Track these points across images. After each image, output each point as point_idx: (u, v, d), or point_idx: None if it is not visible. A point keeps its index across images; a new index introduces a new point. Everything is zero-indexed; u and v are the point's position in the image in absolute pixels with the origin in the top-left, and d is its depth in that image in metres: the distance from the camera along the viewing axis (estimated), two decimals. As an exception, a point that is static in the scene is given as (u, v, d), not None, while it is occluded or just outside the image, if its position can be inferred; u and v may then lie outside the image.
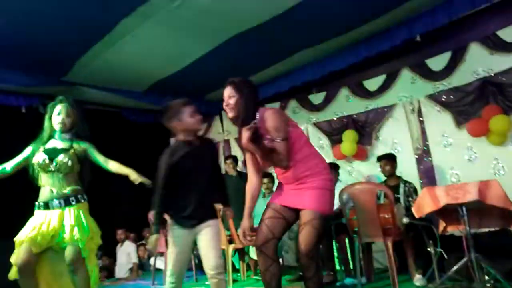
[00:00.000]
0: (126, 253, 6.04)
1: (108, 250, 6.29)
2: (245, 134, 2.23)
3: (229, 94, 2.43)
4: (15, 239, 2.63)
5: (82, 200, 2.76)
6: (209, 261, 2.44)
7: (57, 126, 2.75)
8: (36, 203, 2.70)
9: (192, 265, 5.14)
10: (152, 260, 5.43)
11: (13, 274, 2.62)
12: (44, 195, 2.70)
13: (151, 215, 4.99)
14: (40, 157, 2.68)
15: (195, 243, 2.55)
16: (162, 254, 5.12)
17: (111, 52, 4.38)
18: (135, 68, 4.93)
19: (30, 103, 5.09)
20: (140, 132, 6.47)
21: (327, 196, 2.20)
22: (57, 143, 2.75)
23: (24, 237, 2.58)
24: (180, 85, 5.47)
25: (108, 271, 6.05)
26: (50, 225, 2.60)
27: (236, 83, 2.41)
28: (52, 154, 2.69)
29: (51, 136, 2.78)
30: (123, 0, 3.51)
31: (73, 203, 2.68)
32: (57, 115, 2.76)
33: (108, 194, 6.26)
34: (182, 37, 4.29)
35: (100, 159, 2.83)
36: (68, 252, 2.60)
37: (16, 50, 4.15)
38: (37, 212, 2.68)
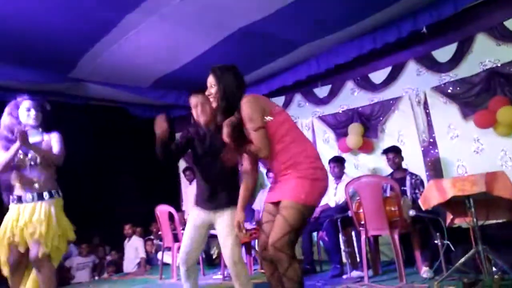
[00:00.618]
0: (134, 248, 6.10)
1: (116, 245, 6.35)
2: (224, 130, 2.07)
3: (210, 83, 2.25)
4: None
5: (56, 196, 2.79)
6: (224, 249, 2.52)
7: (31, 121, 2.83)
8: (11, 196, 2.75)
9: (200, 259, 5.17)
10: (159, 255, 5.47)
11: (4, 272, 2.70)
12: (18, 189, 2.74)
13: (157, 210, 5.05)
14: (17, 157, 2.72)
15: (212, 228, 2.67)
16: (169, 248, 5.15)
17: (115, 48, 4.38)
18: (139, 64, 4.93)
19: (35, 100, 5.11)
20: (144, 127, 6.48)
21: (306, 185, 2.01)
22: (30, 139, 2.75)
23: (2, 237, 2.65)
24: (184, 80, 5.47)
25: (116, 265, 6.11)
26: (21, 220, 2.65)
27: (216, 70, 2.24)
28: (25, 149, 2.72)
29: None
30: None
31: (46, 198, 2.72)
32: (27, 111, 2.84)
33: (115, 190, 6.32)
34: (186, 32, 4.28)
35: (54, 146, 2.84)
36: (31, 249, 2.62)
37: (22, 47, 4.16)
38: (11, 206, 2.74)
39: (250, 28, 4.21)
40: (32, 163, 2.74)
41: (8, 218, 2.71)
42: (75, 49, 4.42)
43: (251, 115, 2.05)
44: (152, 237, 6.48)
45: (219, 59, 4.79)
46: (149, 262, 6.14)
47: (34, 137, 2.81)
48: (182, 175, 6.92)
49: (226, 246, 2.51)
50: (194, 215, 2.67)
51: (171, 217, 5.02)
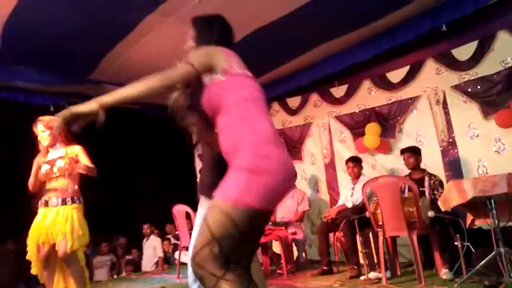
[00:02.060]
0: (152, 247, 6.18)
1: (134, 244, 6.46)
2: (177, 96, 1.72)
3: (188, 36, 1.95)
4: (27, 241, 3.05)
5: (77, 202, 3.11)
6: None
7: (45, 142, 3.16)
8: (39, 201, 3.12)
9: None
10: (177, 254, 5.53)
11: (34, 270, 3.03)
12: (46, 194, 3.10)
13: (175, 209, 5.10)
14: (43, 168, 3.11)
15: None
16: (187, 248, 5.20)
17: (134, 50, 4.45)
18: (158, 65, 4.94)
19: (57, 101, 5.24)
20: (163, 128, 6.56)
21: (243, 179, 1.41)
22: (53, 154, 3.18)
23: (30, 237, 3.01)
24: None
25: (134, 264, 6.21)
26: (46, 221, 2.98)
27: (193, 19, 1.90)
28: (51, 163, 3.11)
29: (47, 151, 3.20)
30: (145, -2, 3.56)
31: (69, 203, 3.05)
32: (42, 133, 3.17)
33: (134, 190, 6.42)
34: (203, 33, 4.32)
35: (83, 161, 3.16)
36: (59, 246, 2.93)
37: (42, 49, 4.26)
38: (39, 210, 3.09)
39: (267, 28, 4.22)
40: (58, 174, 3.08)
41: (35, 220, 3.05)
42: (95, 51, 4.51)
43: (194, 54, 1.63)
44: (169, 236, 6.55)
45: (236, 60, 4.89)
46: (167, 262, 6.21)
47: (56, 151, 3.19)
48: (198, 174, 6.98)
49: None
50: (203, 207, 2.45)
51: (188, 216, 5.07)
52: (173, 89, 1.66)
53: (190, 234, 4.97)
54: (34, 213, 3.13)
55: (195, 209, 5.89)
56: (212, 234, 1.40)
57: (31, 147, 3.67)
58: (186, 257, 5.36)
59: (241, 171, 1.44)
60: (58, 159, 3.10)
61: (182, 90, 1.71)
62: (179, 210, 5.05)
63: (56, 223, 2.95)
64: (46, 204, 3.06)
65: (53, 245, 2.95)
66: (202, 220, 1.46)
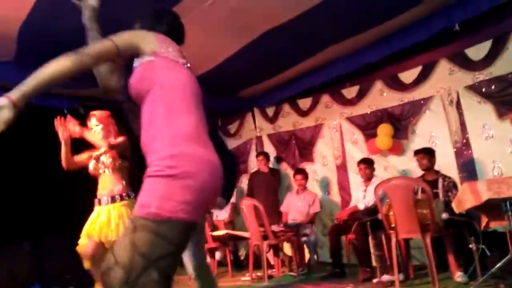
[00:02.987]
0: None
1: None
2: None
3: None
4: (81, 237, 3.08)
5: (127, 198, 3.08)
6: None
7: (98, 137, 3.13)
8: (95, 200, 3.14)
9: (228, 261, 5.22)
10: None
11: (86, 265, 3.04)
12: (99, 193, 3.12)
13: None
14: (91, 165, 3.15)
15: None
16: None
17: (146, 53, 4.50)
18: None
19: (71, 104, 5.31)
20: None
21: (159, 187, 1.23)
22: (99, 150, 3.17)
23: (83, 232, 3.03)
24: (213, 83, 5.52)
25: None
26: (99, 220, 2.99)
27: (141, 14, 1.75)
28: (97, 158, 3.14)
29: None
30: (156, 2, 3.58)
31: (118, 200, 3.04)
32: (95, 127, 3.17)
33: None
34: (214, 36, 4.34)
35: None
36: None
37: (57, 53, 4.32)
38: (95, 208, 3.11)
39: (278, 30, 4.21)
40: (104, 170, 3.11)
41: (91, 218, 3.08)
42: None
43: (119, 33, 1.43)
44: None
45: (247, 62, 4.91)
46: (180, 263, 6.23)
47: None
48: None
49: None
50: None
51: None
52: (96, 66, 1.50)
53: (211, 236, 5.02)
54: (51, 214, 3.14)
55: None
56: (146, 259, 1.17)
57: (45, 149, 3.73)
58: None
59: (157, 177, 1.25)
60: (102, 155, 3.12)
61: (113, 70, 1.57)
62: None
63: (110, 222, 2.96)
64: (99, 202, 3.08)
65: (103, 243, 2.97)
66: (126, 243, 1.21)
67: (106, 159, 3.10)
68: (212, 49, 4.65)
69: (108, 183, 3.08)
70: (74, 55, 1.34)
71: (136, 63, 1.45)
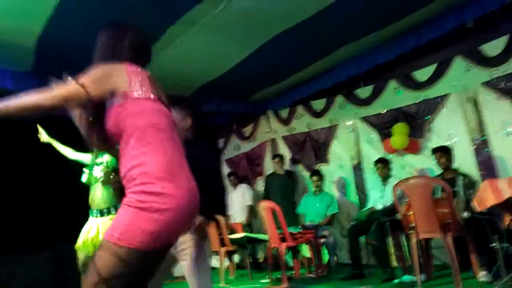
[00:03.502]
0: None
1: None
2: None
3: (185, 116, 2.40)
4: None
5: (113, 212, 3.16)
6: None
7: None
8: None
9: (247, 263, 5.23)
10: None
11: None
12: (90, 203, 3.19)
13: None
14: (84, 174, 3.21)
15: None
16: (216, 253, 5.24)
17: (160, 58, 4.54)
18: (182, 73, 5.08)
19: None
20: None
21: (128, 216, 1.32)
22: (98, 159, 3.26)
23: (77, 245, 3.09)
24: (225, 87, 5.57)
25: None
26: (90, 232, 3.08)
27: (104, 27, 1.71)
28: (90, 169, 3.22)
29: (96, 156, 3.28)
30: (170, 8, 3.64)
31: (106, 215, 3.13)
32: None
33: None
34: (226, 40, 4.37)
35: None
36: None
37: (74, 63, 4.40)
38: (89, 220, 3.19)
39: (289, 32, 4.22)
40: (97, 182, 3.18)
41: (83, 230, 3.15)
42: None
43: (90, 74, 1.44)
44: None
45: (259, 65, 4.93)
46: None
47: (103, 157, 3.30)
48: (226, 179, 7.04)
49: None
50: None
51: (216, 221, 5.12)
52: (61, 107, 1.43)
53: (220, 239, 5.05)
54: (71, 221, 3.23)
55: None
56: (99, 274, 1.29)
57: (63, 158, 3.80)
58: (216, 261, 5.42)
59: (129, 207, 1.33)
60: (99, 166, 3.20)
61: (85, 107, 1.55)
62: (208, 215, 5.09)
63: (98, 236, 3.04)
64: (91, 214, 3.16)
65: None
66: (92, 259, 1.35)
67: (99, 172, 3.16)
68: (224, 53, 4.69)
69: (98, 195, 3.15)
70: (47, 94, 1.38)
71: (109, 102, 1.47)
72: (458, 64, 4.57)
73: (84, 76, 1.42)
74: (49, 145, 3.44)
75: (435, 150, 4.13)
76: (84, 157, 3.33)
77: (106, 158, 3.26)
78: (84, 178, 3.21)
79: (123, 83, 1.44)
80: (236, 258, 5.84)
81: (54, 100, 1.38)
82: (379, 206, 4.47)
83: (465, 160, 4.36)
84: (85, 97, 1.40)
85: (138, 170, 1.37)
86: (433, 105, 4.79)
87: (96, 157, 3.28)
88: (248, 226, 6.27)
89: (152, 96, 1.48)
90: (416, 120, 4.92)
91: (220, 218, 5.01)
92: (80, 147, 3.34)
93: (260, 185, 6.62)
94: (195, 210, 1.41)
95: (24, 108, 1.36)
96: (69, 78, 1.42)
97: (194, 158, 2.40)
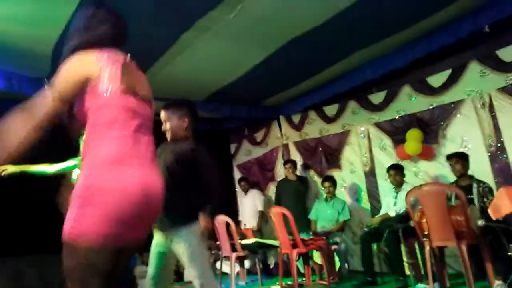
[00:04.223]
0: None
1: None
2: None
3: (163, 119, 2.63)
4: None
5: None
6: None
7: None
8: None
9: (257, 269, 5.22)
10: (218, 264, 5.58)
11: None
12: None
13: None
14: (75, 173, 3.13)
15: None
16: (227, 258, 5.24)
17: (173, 65, 4.59)
18: (195, 79, 5.12)
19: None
20: (200, 140, 6.70)
21: (75, 208, 1.29)
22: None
23: None
24: (238, 92, 5.60)
25: (177, 274, 6.31)
26: None
27: (77, 12, 1.70)
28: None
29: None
30: (184, 15, 3.68)
31: None
32: None
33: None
34: (239, 46, 4.40)
35: None
36: None
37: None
38: None
39: (302, 38, 4.23)
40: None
41: None
42: (138, 67, 4.69)
43: (60, 79, 1.42)
44: (209, 248, 6.62)
45: (272, 70, 4.94)
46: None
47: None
48: (237, 185, 7.05)
49: (191, 277, 2.31)
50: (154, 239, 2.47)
51: (228, 226, 5.12)
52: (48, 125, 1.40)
53: (231, 244, 5.05)
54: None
55: (235, 219, 5.96)
56: (63, 267, 1.27)
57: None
58: (227, 267, 5.41)
59: (77, 198, 1.30)
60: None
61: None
62: (220, 220, 5.11)
63: None
64: None
65: None
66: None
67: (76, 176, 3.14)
68: (237, 59, 4.72)
69: None
70: (29, 120, 1.36)
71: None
72: (473, 69, 4.51)
73: (56, 85, 1.40)
74: (21, 174, 3.22)
75: (450, 157, 4.07)
76: (67, 164, 3.26)
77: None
78: (74, 176, 3.15)
79: (93, 74, 1.41)
80: (247, 263, 5.83)
81: (40, 127, 1.35)
82: (392, 213, 4.42)
83: (480, 167, 4.28)
84: (63, 107, 1.41)
85: (90, 159, 1.36)
86: (447, 111, 4.73)
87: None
88: (259, 231, 6.26)
89: (119, 90, 1.43)
90: (430, 126, 4.87)
91: (231, 222, 5.02)
92: (63, 155, 3.31)
93: (272, 190, 6.61)
94: (150, 201, 1.37)
95: (22, 148, 1.34)
96: (46, 87, 1.42)
97: (191, 154, 2.45)
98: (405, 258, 4.07)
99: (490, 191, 3.79)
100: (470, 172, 4.04)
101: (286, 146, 6.58)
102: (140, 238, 1.40)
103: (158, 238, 2.45)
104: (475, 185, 3.83)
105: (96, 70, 1.42)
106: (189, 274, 2.36)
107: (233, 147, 7.54)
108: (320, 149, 6.09)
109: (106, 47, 1.50)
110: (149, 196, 1.36)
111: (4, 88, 4.35)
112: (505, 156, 4.26)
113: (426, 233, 3.53)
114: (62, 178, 3.27)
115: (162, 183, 1.44)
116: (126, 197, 1.29)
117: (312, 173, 6.23)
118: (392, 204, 4.51)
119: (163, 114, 2.59)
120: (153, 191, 1.38)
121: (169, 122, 2.58)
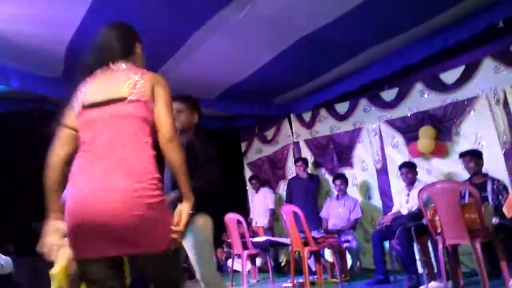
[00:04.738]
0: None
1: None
2: None
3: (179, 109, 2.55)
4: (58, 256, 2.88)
5: None
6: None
7: None
8: None
9: (269, 267, 5.23)
10: (229, 262, 5.61)
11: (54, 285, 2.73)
12: None
13: None
14: None
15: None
16: (239, 256, 5.26)
17: (185, 64, 4.62)
18: (206, 78, 5.14)
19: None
20: (212, 138, 6.72)
21: None
22: None
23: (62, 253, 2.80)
24: (249, 90, 5.60)
25: (189, 272, 6.35)
26: None
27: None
28: None
29: None
30: (194, 15, 3.70)
31: None
32: None
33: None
34: (249, 45, 4.40)
35: None
36: None
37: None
38: None
39: (313, 35, 4.21)
40: None
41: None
42: (150, 67, 4.72)
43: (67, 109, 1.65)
44: (224, 246, 6.65)
45: (282, 68, 4.94)
46: (220, 269, 6.31)
47: None
48: (248, 183, 7.06)
49: (195, 268, 2.35)
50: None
51: (239, 224, 5.15)
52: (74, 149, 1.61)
53: (242, 242, 5.07)
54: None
55: (246, 217, 5.98)
56: None
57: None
58: (239, 265, 5.44)
59: None
60: None
61: None
62: (231, 218, 5.13)
63: None
64: None
65: None
66: None
67: None
68: (247, 57, 4.73)
69: None
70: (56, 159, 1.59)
71: None
72: (487, 66, 4.44)
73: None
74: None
75: (463, 154, 4.01)
76: None
77: None
78: None
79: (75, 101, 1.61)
80: (258, 261, 5.84)
81: (64, 153, 1.57)
82: (404, 211, 4.39)
83: (494, 164, 4.23)
84: (73, 129, 1.59)
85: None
86: (461, 108, 4.67)
87: None
88: (270, 229, 6.27)
89: (81, 106, 1.57)
90: (443, 123, 4.81)
91: (242, 220, 5.04)
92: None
93: (282, 188, 6.61)
94: (83, 210, 1.43)
95: (61, 177, 1.56)
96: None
97: (186, 147, 2.44)
98: (417, 256, 4.04)
99: (505, 188, 3.74)
100: (484, 170, 3.99)
101: (296, 144, 6.57)
102: (101, 248, 1.44)
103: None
104: (489, 183, 3.78)
105: (78, 95, 1.65)
106: (195, 270, 2.36)
107: (243, 146, 7.55)
108: (331, 147, 6.07)
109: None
110: (81, 209, 1.43)
111: (18, 88, 4.43)
112: (520, 153, 4.20)
113: (439, 231, 3.50)
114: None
115: (104, 190, 1.43)
116: (66, 214, 1.47)
117: (323, 171, 6.22)
118: (404, 202, 4.48)
119: (178, 105, 2.50)
120: (85, 203, 1.43)
121: (182, 114, 2.57)
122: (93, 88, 1.59)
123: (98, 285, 1.48)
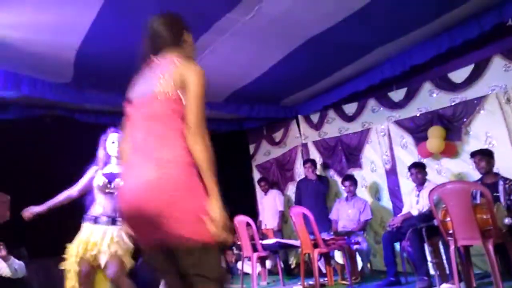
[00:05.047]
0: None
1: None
2: None
3: None
4: (66, 253, 2.89)
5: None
6: None
7: (115, 153, 3.04)
8: (85, 215, 2.97)
9: (279, 269, 5.22)
10: (239, 265, 5.61)
11: (69, 282, 2.85)
12: (95, 210, 2.96)
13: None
14: (100, 180, 2.98)
15: None
16: (249, 258, 5.26)
17: (192, 67, 4.63)
18: (214, 80, 5.09)
19: (114, 121, 5.57)
20: (220, 141, 6.73)
21: None
22: (113, 168, 3.04)
23: (74, 252, 2.84)
24: (256, 93, 5.61)
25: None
26: (92, 238, 2.85)
27: None
28: (110, 177, 2.98)
29: (106, 163, 3.08)
30: (201, 18, 3.71)
31: (119, 224, 2.85)
32: (112, 144, 3.06)
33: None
34: (256, 47, 4.41)
35: None
36: (110, 267, 2.79)
37: (112, 72, 4.56)
38: (85, 225, 2.94)
39: (320, 37, 4.21)
40: (112, 191, 2.95)
41: (81, 236, 2.92)
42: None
43: None
44: (233, 248, 6.65)
45: (290, 70, 4.94)
46: (230, 272, 6.31)
47: (111, 168, 3.07)
48: (257, 185, 7.06)
49: None
50: None
51: (248, 227, 5.14)
52: None
53: (252, 244, 5.07)
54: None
55: (254, 219, 5.98)
56: None
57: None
58: (248, 267, 5.43)
59: None
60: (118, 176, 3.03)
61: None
62: (240, 220, 5.13)
63: (104, 243, 2.83)
64: (95, 221, 2.92)
65: (93, 265, 2.84)
66: None
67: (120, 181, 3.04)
68: (255, 59, 4.73)
69: (111, 204, 2.92)
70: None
71: None
72: (497, 64, 4.39)
73: None
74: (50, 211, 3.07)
75: (474, 154, 3.97)
76: (87, 178, 3.08)
77: (116, 169, 3.05)
78: (100, 183, 2.98)
79: None
80: (268, 263, 5.83)
81: None
82: (415, 212, 4.35)
83: (506, 164, 4.17)
84: None
85: None
86: (470, 107, 4.62)
87: (103, 167, 3.07)
88: (279, 231, 6.26)
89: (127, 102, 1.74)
90: (453, 123, 4.77)
91: (251, 223, 5.04)
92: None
93: (291, 190, 6.59)
94: (124, 198, 1.59)
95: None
96: None
97: None
98: (429, 258, 4.00)
99: (517, 188, 3.69)
100: (495, 169, 3.94)
101: (305, 146, 6.56)
102: (148, 237, 1.55)
103: None
104: (501, 183, 3.73)
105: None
106: None
107: (252, 148, 7.55)
108: (340, 148, 6.04)
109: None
110: (123, 195, 1.59)
111: (28, 94, 4.48)
112: (532, 152, 4.14)
113: (450, 232, 3.46)
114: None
115: (142, 177, 1.51)
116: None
117: (332, 172, 6.19)
118: (415, 202, 4.44)
119: None
120: (125, 188, 1.58)
121: None
122: (134, 84, 1.75)
123: (161, 272, 1.62)
